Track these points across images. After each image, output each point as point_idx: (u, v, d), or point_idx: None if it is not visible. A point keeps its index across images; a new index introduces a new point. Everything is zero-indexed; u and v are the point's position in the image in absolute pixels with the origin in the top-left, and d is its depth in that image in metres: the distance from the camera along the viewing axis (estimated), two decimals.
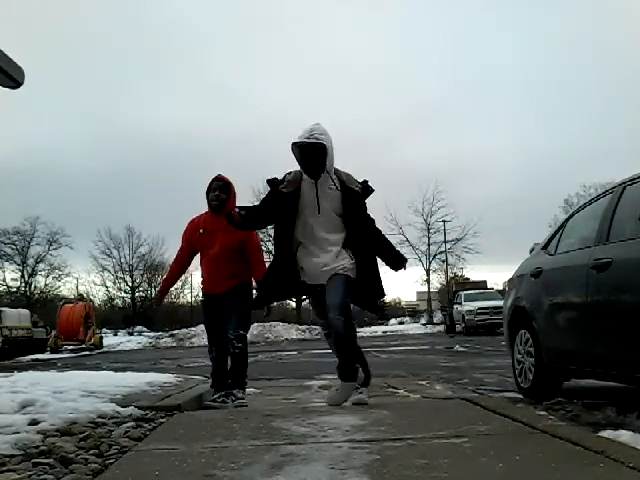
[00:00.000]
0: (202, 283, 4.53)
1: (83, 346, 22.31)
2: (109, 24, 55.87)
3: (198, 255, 4.54)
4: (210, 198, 4.35)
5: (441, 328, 27.97)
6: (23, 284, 43.38)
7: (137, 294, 46.95)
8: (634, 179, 3.91)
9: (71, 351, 21.69)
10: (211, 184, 4.38)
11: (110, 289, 46.81)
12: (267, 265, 4.07)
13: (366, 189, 3.72)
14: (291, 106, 57.90)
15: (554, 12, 55.50)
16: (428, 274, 39.19)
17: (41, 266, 43.74)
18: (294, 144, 3.56)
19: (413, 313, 45.76)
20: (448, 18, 57.67)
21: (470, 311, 22.02)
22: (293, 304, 39.51)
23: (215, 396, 4.30)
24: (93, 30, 55.89)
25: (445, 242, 38.04)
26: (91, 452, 2.42)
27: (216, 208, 4.32)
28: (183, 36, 59.03)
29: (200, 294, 5.17)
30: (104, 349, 23.31)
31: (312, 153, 3.52)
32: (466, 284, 30.79)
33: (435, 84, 58.84)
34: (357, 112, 56.73)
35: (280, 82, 59.38)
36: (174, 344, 25.17)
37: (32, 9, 51.85)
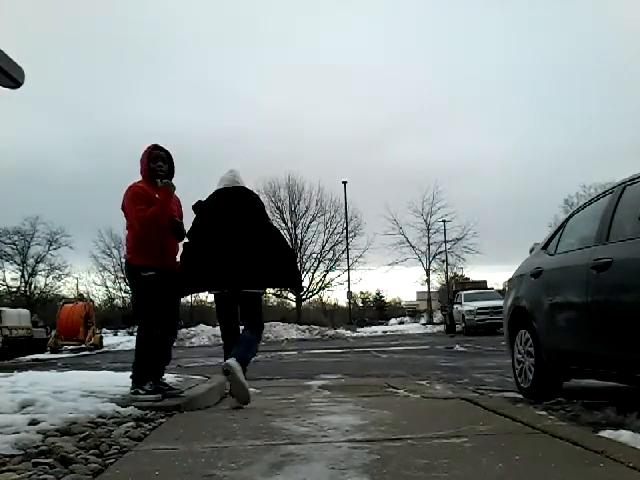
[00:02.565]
0: (149, 254, 4.04)
1: (83, 346, 22.28)
2: (108, 24, 55.86)
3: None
4: (152, 168, 4.10)
5: (441, 328, 27.95)
6: (23, 284, 43.36)
7: None
8: (634, 179, 3.91)
9: (71, 351, 21.65)
10: (150, 153, 4.14)
11: (110, 289, 46.77)
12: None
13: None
14: (291, 106, 58.01)
15: (554, 12, 55.52)
16: (428, 274, 39.19)
17: (41, 266, 43.71)
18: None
19: (413, 313, 45.74)
20: (448, 18, 57.63)
21: (470, 311, 22.01)
22: (293, 304, 39.55)
23: (148, 387, 3.97)
24: (91, 30, 55.87)
25: (445, 242, 38.02)
26: (91, 452, 2.42)
27: (160, 179, 4.10)
28: (181, 37, 58.99)
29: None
30: (104, 349, 23.27)
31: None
32: (466, 284, 30.76)
33: (436, 84, 58.78)
34: (357, 112, 56.71)
35: (279, 82, 59.36)
36: (174, 344, 25.03)
37: (22, 9, 51.67)
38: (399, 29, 59.67)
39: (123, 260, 4.41)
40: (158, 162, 4.15)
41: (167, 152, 4.26)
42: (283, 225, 37.43)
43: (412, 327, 32.59)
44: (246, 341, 4.09)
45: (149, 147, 4.21)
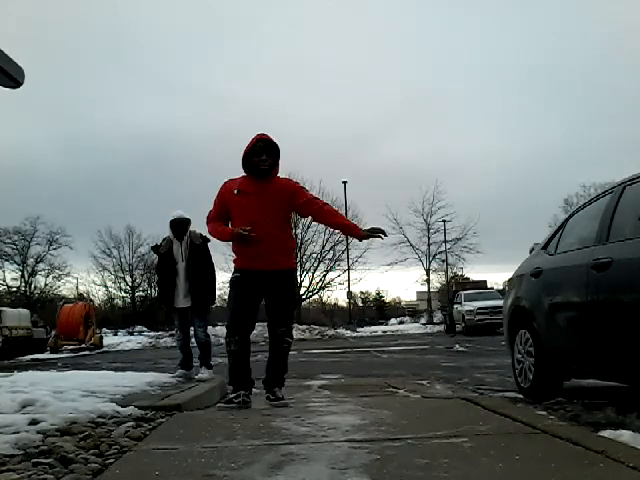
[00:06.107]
0: (238, 255, 3.87)
1: (83, 346, 22.27)
2: (104, 24, 55.82)
3: None
4: (254, 162, 3.76)
5: (441, 328, 27.93)
6: (23, 284, 43.37)
7: (137, 294, 46.89)
8: (634, 179, 3.91)
9: (71, 351, 21.63)
10: (254, 146, 3.79)
11: (110, 289, 46.81)
12: None
13: (205, 240, 5.70)
14: (291, 105, 58.03)
15: (554, 12, 55.51)
16: (428, 274, 39.12)
17: (41, 266, 43.75)
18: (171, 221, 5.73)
19: (413, 313, 45.67)
20: (448, 17, 57.68)
21: (470, 311, 22.01)
22: None
23: (232, 396, 3.87)
24: (92, 30, 55.85)
25: (445, 242, 37.98)
26: (91, 452, 2.42)
27: (262, 174, 3.78)
28: (176, 38, 58.94)
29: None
30: (104, 349, 23.23)
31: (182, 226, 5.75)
32: (466, 284, 30.75)
33: (436, 83, 58.81)
34: (358, 112, 56.76)
35: (278, 82, 59.38)
36: (174, 344, 25.00)
37: (10, 9, 51.57)
38: (398, 27, 59.71)
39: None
40: (262, 155, 3.77)
41: (273, 142, 3.84)
42: None
43: (412, 327, 32.54)
44: None
45: (254, 138, 3.83)
